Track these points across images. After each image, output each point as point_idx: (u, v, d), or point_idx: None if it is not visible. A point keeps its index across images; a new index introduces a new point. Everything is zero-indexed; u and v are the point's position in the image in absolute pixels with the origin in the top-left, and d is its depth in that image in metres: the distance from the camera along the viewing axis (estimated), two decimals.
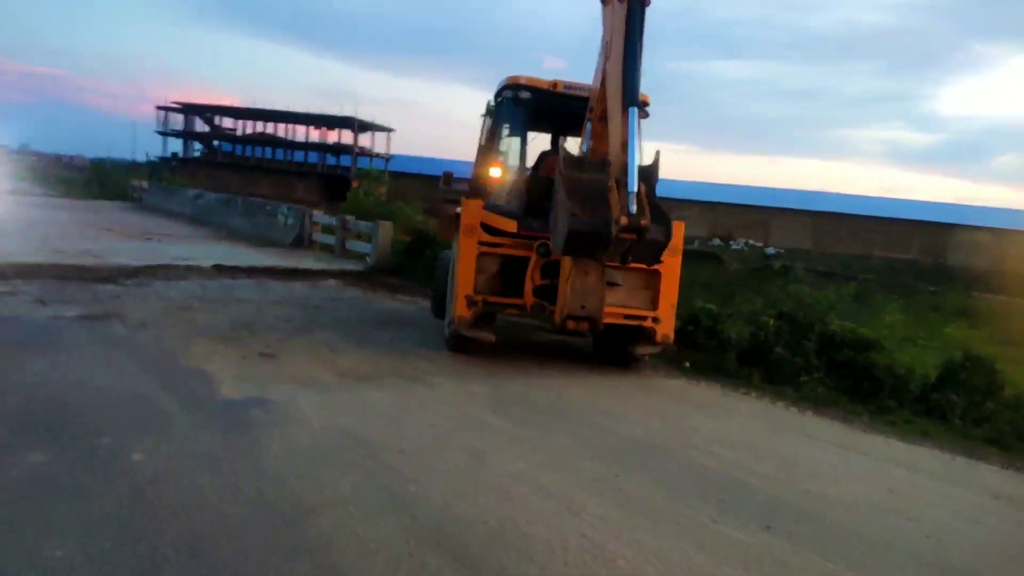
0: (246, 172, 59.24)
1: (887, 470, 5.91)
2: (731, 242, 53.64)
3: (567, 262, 7.06)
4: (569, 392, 7.15)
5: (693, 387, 8.24)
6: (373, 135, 62.72)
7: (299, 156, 63.76)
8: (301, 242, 17.68)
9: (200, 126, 64.98)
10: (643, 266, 7.65)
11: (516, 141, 9.25)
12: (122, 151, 74.62)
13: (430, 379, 6.99)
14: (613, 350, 8.65)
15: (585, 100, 7.76)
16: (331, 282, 12.73)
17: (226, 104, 64.20)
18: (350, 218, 17.22)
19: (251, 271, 12.67)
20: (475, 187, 8.91)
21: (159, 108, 62.83)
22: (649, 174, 6.25)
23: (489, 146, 8.81)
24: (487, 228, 7.89)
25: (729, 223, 55.87)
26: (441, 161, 67.83)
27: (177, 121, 63.75)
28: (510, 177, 8.89)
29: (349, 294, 11.78)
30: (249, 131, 64.49)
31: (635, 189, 5.91)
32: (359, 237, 16.45)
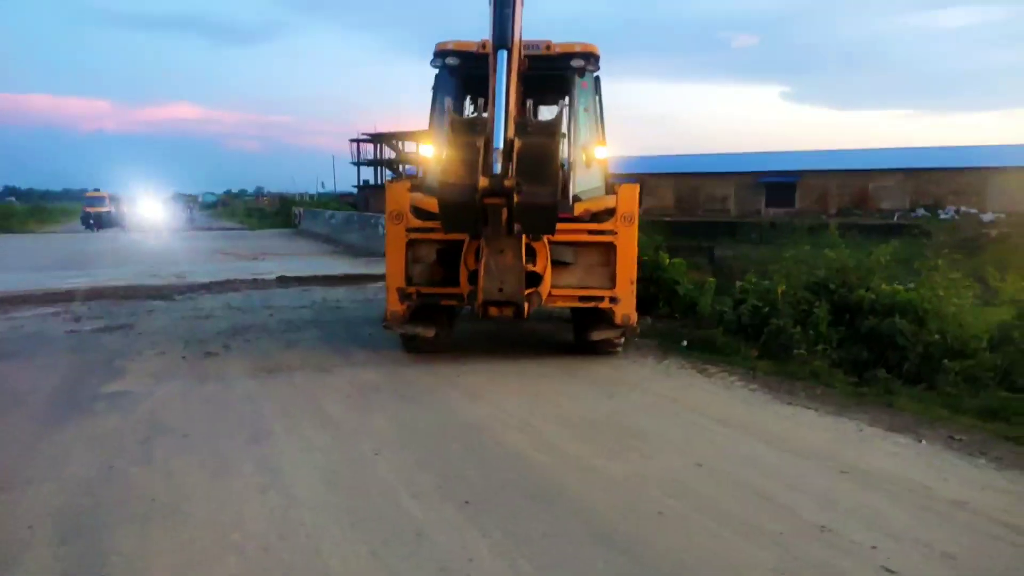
0: None
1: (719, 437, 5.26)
2: (939, 211, 47.77)
3: (483, 241, 6.35)
4: (465, 379, 6.92)
5: (636, 365, 7.62)
6: None
7: None
8: None
9: (388, 153, 70.06)
10: (597, 240, 7.24)
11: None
12: (330, 184, 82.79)
13: (337, 370, 7.17)
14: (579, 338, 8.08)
15: (534, 59, 7.13)
16: (378, 284, 13.34)
17: (410, 130, 68.34)
18: None
19: (309, 280, 13.65)
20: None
21: (351, 141, 68.79)
22: (546, 130, 5.63)
23: (432, 124, 8.15)
24: (423, 213, 7.30)
25: (936, 190, 49.80)
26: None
27: (368, 151, 69.35)
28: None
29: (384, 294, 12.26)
30: None
31: (500, 146, 5.31)
32: None
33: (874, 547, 3.65)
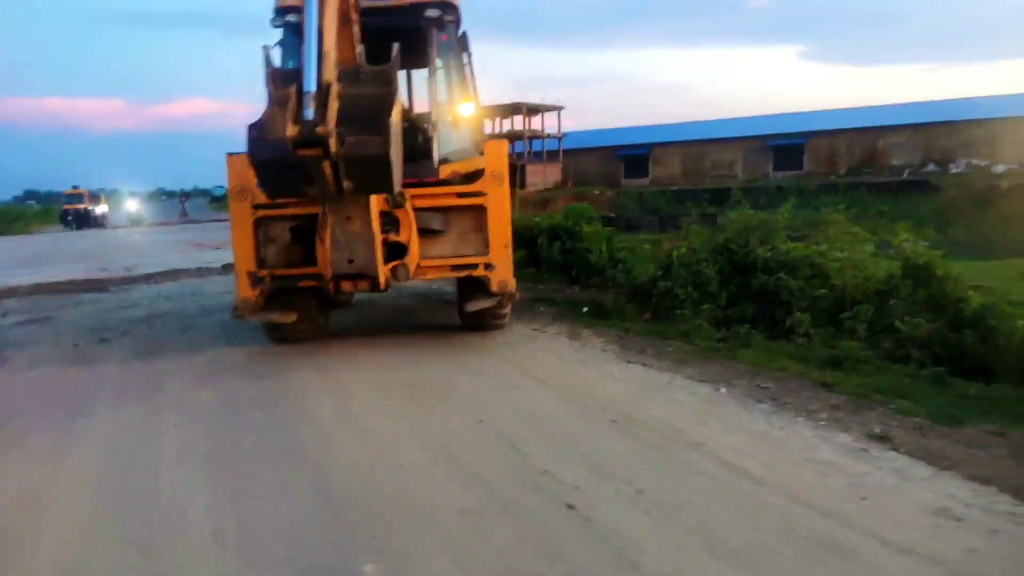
0: None
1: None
2: (951, 165, 46.82)
3: (326, 209, 5.81)
4: (322, 357, 7.06)
5: (510, 333, 7.75)
6: (543, 116, 63.49)
7: None
8: None
9: None
10: (467, 203, 6.81)
11: None
12: None
13: (209, 351, 7.40)
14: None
15: (383, 11, 6.77)
16: None
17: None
18: None
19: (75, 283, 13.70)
20: None
21: None
22: (381, 78, 5.06)
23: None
24: None
25: (947, 144, 48.74)
26: (620, 131, 67.19)
27: None
28: None
29: None
30: None
31: (311, 88, 4.58)
32: None
33: (577, 487, 3.80)
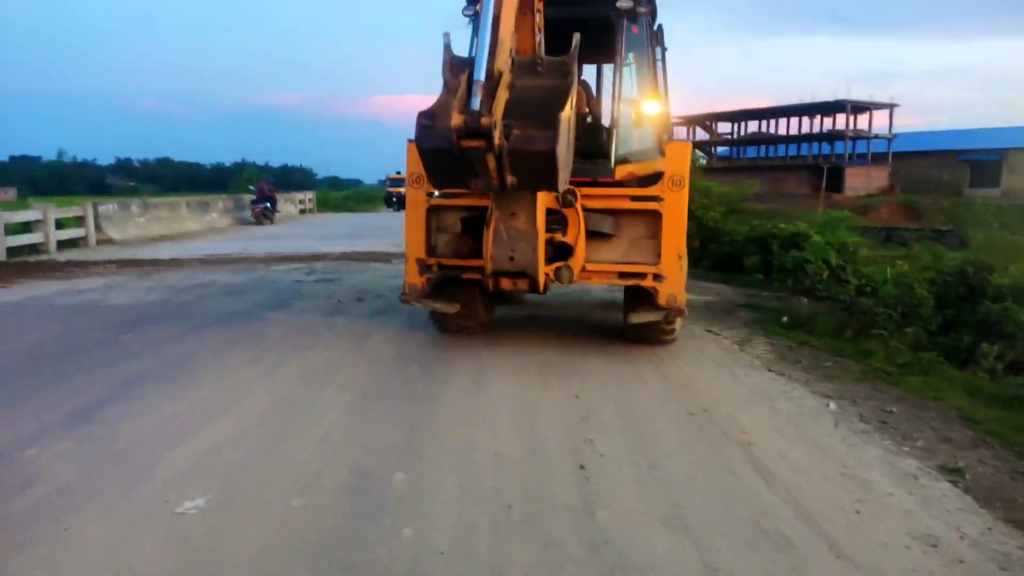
0: (740, 173, 61.51)
1: None
2: None
3: (492, 204, 5.78)
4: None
5: (687, 338, 8.05)
6: (871, 115, 58.03)
7: (792, 150, 63.03)
8: None
9: (701, 135, 69.73)
10: (641, 207, 6.47)
11: None
12: None
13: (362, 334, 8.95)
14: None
15: (572, 0, 6.62)
16: None
17: (724, 111, 67.19)
18: None
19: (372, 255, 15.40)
20: None
21: None
22: (559, 70, 4.86)
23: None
24: None
25: None
26: (967, 132, 58.57)
27: (681, 134, 69.91)
28: None
29: None
30: (753, 130, 66.55)
31: (481, 77, 4.46)
32: None
33: (602, 455, 4.38)
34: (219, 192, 26.43)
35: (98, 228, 15.79)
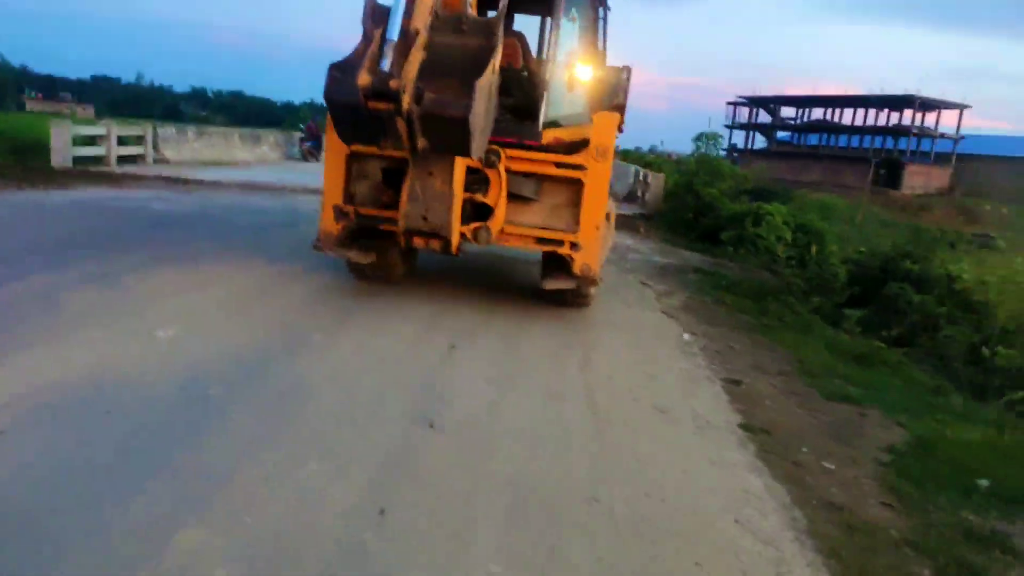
0: (798, 160, 60.97)
1: None
2: None
3: (410, 161, 5.51)
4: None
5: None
6: (939, 113, 56.73)
7: (855, 141, 62.09)
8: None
9: (764, 117, 69.04)
10: (564, 175, 6.44)
11: None
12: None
13: None
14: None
15: None
16: None
17: (790, 94, 66.31)
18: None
19: None
20: None
21: (728, 103, 69.51)
22: (484, 30, 4.67)
23: None
24: None
25: None
26: None
27: (744, 114, 69.30)
28: None
29: None
30: (817, 117, 65.71)
31: (394, 37, 4.32)
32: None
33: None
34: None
35: (156, 148, 17.64)
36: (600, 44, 7.53)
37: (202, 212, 11.35)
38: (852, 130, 61.91)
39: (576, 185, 6.42)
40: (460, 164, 5.58)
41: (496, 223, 6.35)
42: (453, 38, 4.60)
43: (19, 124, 17.21)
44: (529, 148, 6.38)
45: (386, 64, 4.26)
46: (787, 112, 67.81)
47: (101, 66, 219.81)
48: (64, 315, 5.41)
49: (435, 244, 5.92)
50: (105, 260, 7.25)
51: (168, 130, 19.09)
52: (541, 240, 6.52)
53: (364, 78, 4.25)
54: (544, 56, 6.57)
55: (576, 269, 6.43)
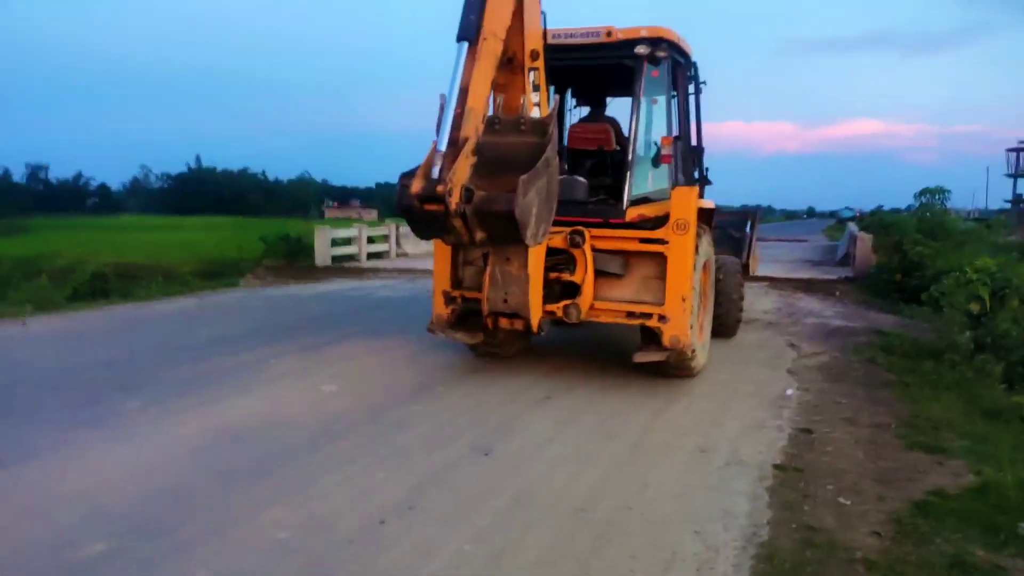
0: None
1: None
2: None
3: (491, 248, 6.09)
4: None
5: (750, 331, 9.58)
6: None
7: None
8: None
9: None
10: (647, 249, 6.76)
11: None
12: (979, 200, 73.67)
13: None
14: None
15: (591, 48, 7.02)
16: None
17: None
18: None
19: None
20: None
21: (1008, 151, 61.42)
22: (538, 129, 5.22)
23: None
24: None
25: None
26: None
27: None
28: None
29: None
30: None
31: (442, 148, 4.82)
32: None
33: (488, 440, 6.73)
34: None
35: (398, 244, 20.85)
36: (693, 118, 8.08)
37: (413, 297, 13.48)
38: None
39: (660, 259, 6.71)
40: (538, 248, 6.04)
41: (585, 300, 6.75)
42: (513, 138, 5.23)
43: (306, 230, 21.34)
44: (614, 226, 6.86)
45: (435, 171, 4.78)
46: None
47: (384, 174, 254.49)
48: (265, 375, 7.32)
49: (518, 324, 6.39)
50: (318, 335, 9.35)
51: (407, 228, 22.43)
52: (631, 314, 6.80)
53: (416, 186, 4.80)
54: (630, 140, 7.14)
55: (666, 341, 6.64)
